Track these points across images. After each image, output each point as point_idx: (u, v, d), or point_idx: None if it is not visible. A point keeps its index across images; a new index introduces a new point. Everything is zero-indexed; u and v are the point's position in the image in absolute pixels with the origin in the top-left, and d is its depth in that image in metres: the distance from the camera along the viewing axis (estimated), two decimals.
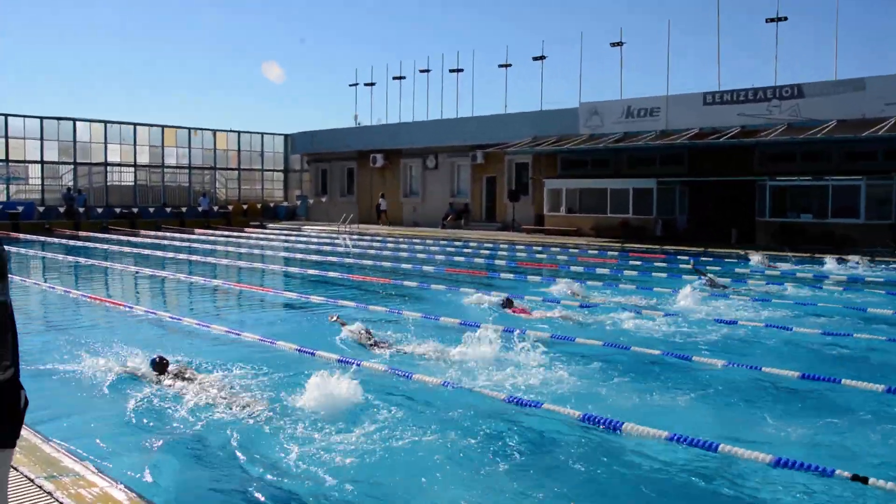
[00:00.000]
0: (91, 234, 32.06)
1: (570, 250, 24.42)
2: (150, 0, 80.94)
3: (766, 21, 28.21)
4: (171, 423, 6.47)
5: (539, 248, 25.56)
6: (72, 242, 27.82)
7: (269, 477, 5.39)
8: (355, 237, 31.27)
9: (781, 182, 26.23)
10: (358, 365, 7.86)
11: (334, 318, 10.65)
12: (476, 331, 8.76)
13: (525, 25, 78.29)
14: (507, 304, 11.96)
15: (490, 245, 26.69)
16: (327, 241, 29.31)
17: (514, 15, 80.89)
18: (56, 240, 28.95)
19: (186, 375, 7.54)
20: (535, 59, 34.90)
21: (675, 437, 5.71)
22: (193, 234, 32.82)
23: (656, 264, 20.00)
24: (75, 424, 6.60)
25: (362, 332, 9.58)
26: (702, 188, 29.46)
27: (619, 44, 31.72)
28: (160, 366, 7.71)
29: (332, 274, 17.74)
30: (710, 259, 20.62)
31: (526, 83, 70.83)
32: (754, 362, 8.31)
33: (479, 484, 5.34)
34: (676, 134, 28.56)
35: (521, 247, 25.89)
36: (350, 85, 43.78)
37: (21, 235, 30.69)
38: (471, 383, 7.48)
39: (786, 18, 27.87)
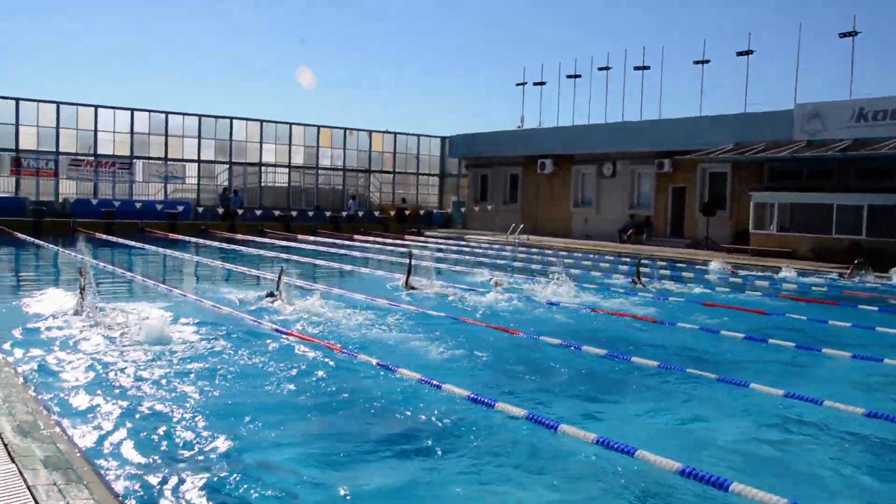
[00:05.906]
0: (247, 237, 30.30)
1: (816, 279, 19.88)
2: (307, 1, 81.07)
3: None
4: None
5: (779, 275, 21.09)
6: (227, 246, 25.95)
7: None
8: (534, 250, 27.82)
9: None
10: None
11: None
12: None
13: (727, 16, 69.64)
14: (270, 295, 12.90)
15: (713, 270, 22.04)
16: (508, 253, 26.06)
17: (714, 5, 72.18)
18: (211, 242, 27.15)
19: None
20: (740, 54, 30.45)
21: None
22: (353, 240, 30.41)
23: None
24: None
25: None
26: None
27: (852, 34, 26.88)
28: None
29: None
30: None
31: (725, 83, 61.99)
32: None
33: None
34: None
35: (757, 272, 21.54)
36: (517, 84, 40.66)
37: (178, 236, 29.28)
38: None
39: None
